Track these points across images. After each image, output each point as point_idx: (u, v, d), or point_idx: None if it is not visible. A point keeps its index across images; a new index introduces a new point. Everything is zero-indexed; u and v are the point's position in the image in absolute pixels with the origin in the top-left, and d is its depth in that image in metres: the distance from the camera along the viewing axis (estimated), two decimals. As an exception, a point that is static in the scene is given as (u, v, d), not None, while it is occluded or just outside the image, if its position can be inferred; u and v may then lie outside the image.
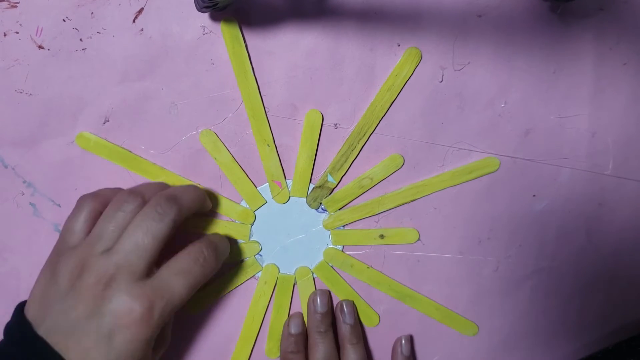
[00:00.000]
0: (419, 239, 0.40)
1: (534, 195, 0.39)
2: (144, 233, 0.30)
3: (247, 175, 0.38)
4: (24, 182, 0.38)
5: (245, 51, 0.35)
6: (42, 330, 0.29)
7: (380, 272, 0.40)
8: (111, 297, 0.28)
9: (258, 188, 0.39)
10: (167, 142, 0.37)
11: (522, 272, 0.41)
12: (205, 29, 0.35)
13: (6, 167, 0.37)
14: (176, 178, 0.38)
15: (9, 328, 0.31)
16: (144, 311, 0.28)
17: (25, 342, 0.29)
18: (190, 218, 0.37)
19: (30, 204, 0.38)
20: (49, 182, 0.38)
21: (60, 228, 0.38)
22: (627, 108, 0.38)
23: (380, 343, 0.42)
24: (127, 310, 0.28)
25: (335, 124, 0.37)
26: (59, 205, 0.38)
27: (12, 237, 0.39)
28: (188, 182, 0.38)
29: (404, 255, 0.40)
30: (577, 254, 0.41)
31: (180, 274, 0.30)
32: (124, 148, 0.37)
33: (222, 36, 0.35)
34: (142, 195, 0.32)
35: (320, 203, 0.39)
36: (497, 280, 0.41)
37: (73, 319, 0.28)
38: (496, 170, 0.38)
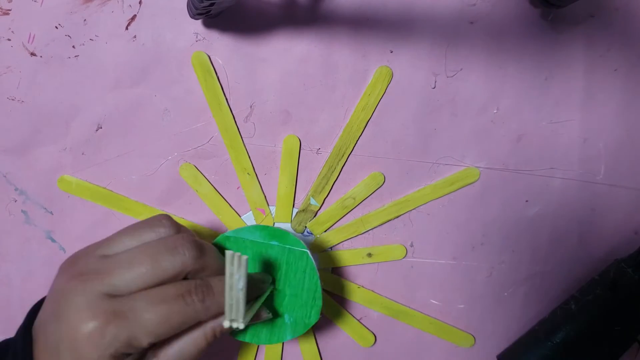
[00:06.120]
0: (406, 255, 0.40)
1: (526, 201, 0.39)
2: (150, 264, 0.26)
3: (230, 205, 0.38)
4: (16, 189, 0.37)
5: (218, 83, 0.35)
6: (35, 324, 0.27)
7: (372, 290, 0.40)
8: (72, 301, 0.25)
9: (242, 217, 0.38)
10: (158, 150, 0.37)
11: (515, 278, 0.41)
12: (198, 35, 0.35)
13: (-2, 174, 0.37)
14: (158, 213, 0.37)
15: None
16: (92, 330, 0.24)
17: (22, 330, 0.27)
18: None
19: (22, 211, 0.38)
20: (41, 190, 0.37)
21: (52, 235, 0.38)
22: (618, 114, 0.38)
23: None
24: (76, 322, 0.25)
25: (318, 149, 0.37)
26: (51, 213, 0.38)
27: (3, 245, 0.38)
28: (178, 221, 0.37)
29: (398, 262, 0.40)
30: (570, 259, 0.41)
31: (157, 304, 0.25)
32: (105, 188, 0.37)
33: (214, 43, 0.35)
34: (179, 229, 0.29)
35: (306, 227, 0.39)
36: (491, 285, 0.41)
37: (45, 312, 0.27)
38: (476, 180, 0.38)
